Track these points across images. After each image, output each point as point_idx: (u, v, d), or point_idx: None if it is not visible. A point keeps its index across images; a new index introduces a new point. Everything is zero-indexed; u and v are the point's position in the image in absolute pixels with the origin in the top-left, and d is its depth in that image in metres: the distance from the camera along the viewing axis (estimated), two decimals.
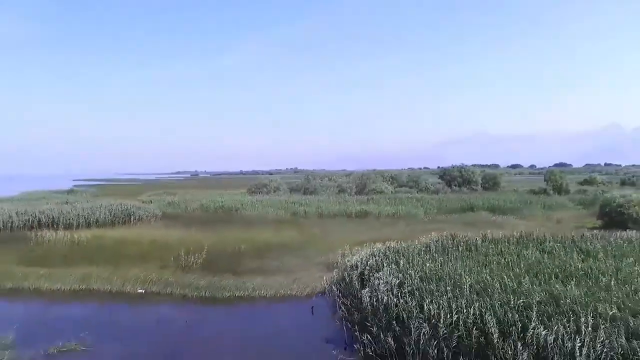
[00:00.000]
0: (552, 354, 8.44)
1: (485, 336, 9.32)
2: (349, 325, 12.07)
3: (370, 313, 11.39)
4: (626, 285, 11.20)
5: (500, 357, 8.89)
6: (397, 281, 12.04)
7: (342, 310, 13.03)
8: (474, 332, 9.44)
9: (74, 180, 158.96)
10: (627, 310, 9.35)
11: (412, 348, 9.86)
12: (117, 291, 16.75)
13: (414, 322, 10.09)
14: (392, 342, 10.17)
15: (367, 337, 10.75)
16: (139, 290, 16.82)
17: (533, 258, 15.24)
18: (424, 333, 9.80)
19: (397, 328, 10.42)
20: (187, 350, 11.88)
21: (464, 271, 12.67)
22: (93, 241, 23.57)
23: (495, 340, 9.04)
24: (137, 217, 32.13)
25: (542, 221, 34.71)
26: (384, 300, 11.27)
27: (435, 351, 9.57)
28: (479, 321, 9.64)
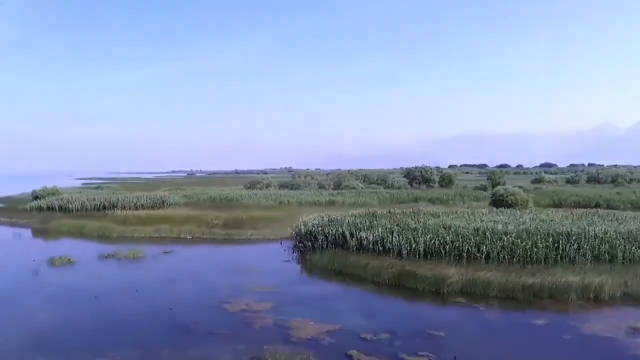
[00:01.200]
0: (364, 241, 22.27)
1: (344, 238, 23.14)
2: (295, 243, 25.99)
3: (304, 235, 25.24)
4: (421, 220, 25.12)
5: (348, 245, 22.72)
6: (318, 222, 25.91)
7: (294, 240, 26.85)
8: (341, 236, 23.29)
9: (76, 179, 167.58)
10: (402, 225, 23.28)
11: (317, 246, 23.72)
12: (176, 237, 30.66)
13: (319, 236, 23.94)
14: (310, 245, 24.03)
15: (301, 245, 24.62)
16: (188, 237, 30.69)
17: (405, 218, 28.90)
18: (322, 239, 23.66)
19: (313, 239, 24.27)
20: (220, 258, 25.70)
21: (352, 218, 26.59)
22: (149, 215, 37.25)
23: (348, 238, 22.86)
24: (168, 204, 45.71)
25: (458, 207, 48.61)
26: (310, 229, 25.13)
27: (325, 245, 23.45)
28: (344, 232, 23.44)
